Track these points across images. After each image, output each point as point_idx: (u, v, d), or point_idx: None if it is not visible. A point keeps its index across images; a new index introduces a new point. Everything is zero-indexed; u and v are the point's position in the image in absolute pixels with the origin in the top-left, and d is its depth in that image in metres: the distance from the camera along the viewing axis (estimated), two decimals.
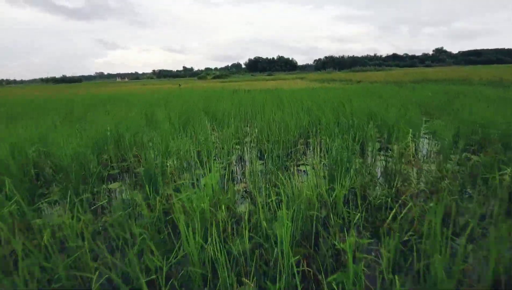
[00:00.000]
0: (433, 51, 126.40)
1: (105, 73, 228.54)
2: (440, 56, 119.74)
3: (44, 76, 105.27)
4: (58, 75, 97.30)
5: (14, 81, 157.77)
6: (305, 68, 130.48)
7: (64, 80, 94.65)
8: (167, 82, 38.08)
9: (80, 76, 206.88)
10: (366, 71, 42.13)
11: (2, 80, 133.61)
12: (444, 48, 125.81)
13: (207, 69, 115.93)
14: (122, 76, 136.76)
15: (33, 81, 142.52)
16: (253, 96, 8.92)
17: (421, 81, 15.25)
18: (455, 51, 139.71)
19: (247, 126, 5.50)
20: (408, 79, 16.50)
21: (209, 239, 1.64)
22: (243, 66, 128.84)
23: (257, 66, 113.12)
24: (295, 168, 3.22)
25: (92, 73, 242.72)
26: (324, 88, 12.19)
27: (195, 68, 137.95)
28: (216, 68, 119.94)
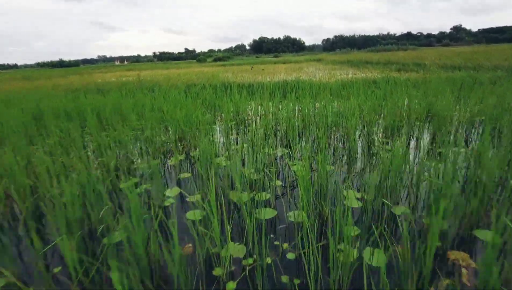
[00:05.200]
0: (451, 29, 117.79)
1: (108, 56, 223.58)
2: (458, 35, 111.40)
3: (47, 60, 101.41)
4: (58, 59, 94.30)
5: (16, 66, 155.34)
6: (313, 48, 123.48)
7: (62, 64, 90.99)
8: (157, 66, 32.92)
9: (83, 59, 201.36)
10: (388, 51, 36.93)
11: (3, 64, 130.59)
12: (463, 26, 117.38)
13: (210, 50, 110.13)
14: (122, 59, 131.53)
15: (36, 65, 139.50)
16: None
17: None
18: (474, 28, 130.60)
19: None
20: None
21: None
22: (248, 47, 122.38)
23: (262, 47, 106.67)
24: None
25: (95, 56, 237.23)
26: None
27: (198, 50, 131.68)
28: (219, 50, 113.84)
